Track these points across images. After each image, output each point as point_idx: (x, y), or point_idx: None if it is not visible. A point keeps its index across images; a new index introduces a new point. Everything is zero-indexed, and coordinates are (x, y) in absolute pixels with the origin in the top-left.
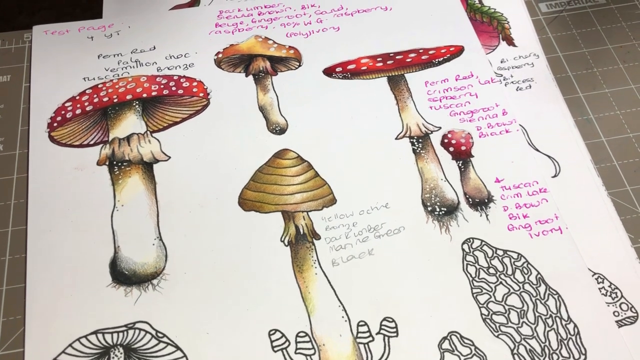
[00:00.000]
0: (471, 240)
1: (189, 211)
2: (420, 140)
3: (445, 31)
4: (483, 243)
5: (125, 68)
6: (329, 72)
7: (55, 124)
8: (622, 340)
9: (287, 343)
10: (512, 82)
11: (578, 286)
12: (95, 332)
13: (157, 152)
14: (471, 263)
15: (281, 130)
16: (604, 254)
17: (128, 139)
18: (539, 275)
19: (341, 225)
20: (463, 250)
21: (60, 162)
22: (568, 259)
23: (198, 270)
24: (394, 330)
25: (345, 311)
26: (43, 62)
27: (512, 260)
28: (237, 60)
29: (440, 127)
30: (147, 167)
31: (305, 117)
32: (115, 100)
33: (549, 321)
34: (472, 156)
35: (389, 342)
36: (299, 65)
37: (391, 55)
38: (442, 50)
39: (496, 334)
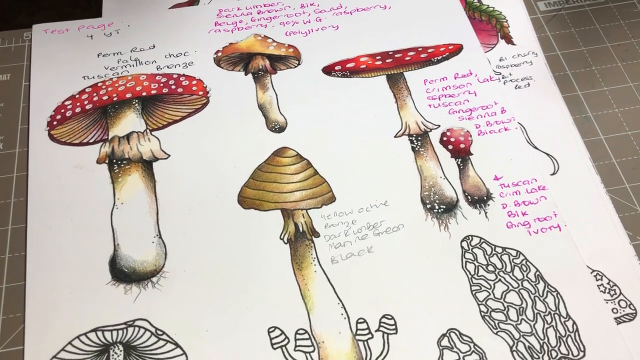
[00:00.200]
0: (470, 237)
1: (189, 209)
2: (419, 138)
3: (444, 30)
4: (482, 240)
5: (125, 67)
6: (328, 70)
7: (55, 123)
8: (620, 337)
9: (286, 340)
10: (511, 80)
11: (577, 283)
12: (94, 330)
13: (157, 151)
14: (470, 260)
15: (280, 129)
16: (603, 251)
17: (128, 137)
18: (537, 273)
19: (340, 223)
20: (462, 247)
21: (60, 161)
22: (567, 256)
23: (197, 268)
24: (393, 327)
25: (345, 309)
26: (43, 60)
27: (511, 257)
28: (236, 59)
29: (439, 125)
30: (147, 165)
31: (305, 115)
32: (115, 99)
33: (548, 318)
34: (471, 154)
35: (388, 339)
36: (298, 64)
37: (390, 53)
38: (441, 49)
39: (495, 331)
